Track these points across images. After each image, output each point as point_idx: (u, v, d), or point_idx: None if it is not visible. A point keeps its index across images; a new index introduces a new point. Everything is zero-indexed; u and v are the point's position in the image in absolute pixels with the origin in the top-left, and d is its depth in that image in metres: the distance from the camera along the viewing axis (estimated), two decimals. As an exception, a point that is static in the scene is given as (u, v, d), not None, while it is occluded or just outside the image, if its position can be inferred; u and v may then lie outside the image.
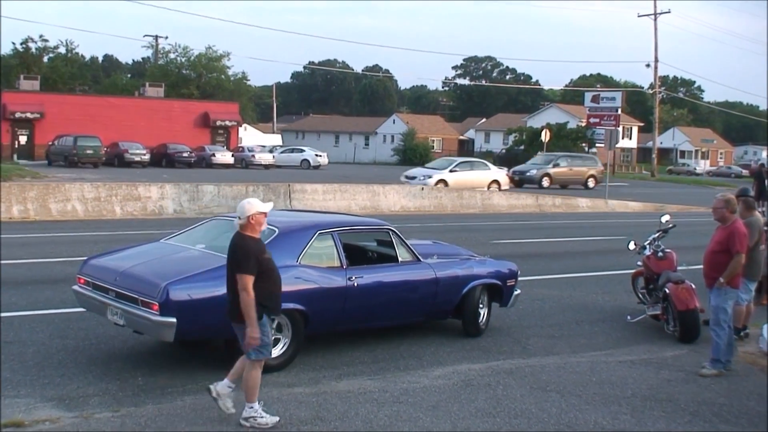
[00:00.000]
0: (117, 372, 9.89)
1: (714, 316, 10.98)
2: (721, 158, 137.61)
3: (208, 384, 8.66)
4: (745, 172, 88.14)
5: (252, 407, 8.36)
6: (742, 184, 23.41)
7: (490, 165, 50.02)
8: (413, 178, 44.54)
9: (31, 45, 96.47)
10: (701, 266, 11.46)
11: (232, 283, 8.33)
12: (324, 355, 10.98)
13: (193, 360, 10.50)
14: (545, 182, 53.62)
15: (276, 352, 10.09)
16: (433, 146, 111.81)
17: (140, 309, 9.47)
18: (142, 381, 9.60)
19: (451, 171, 45.37)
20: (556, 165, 55.71)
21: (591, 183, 56.22)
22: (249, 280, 8.14)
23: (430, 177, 43.94)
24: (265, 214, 8.52)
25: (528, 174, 54.71)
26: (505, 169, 52.72)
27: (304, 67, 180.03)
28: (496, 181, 46.33)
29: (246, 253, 8.25)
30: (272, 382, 9.67)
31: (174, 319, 9.23)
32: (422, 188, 36.55)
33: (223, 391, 8.52)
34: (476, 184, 42.90)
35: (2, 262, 17.32)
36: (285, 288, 9.93)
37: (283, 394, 9.32)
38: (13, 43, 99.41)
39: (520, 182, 52.89)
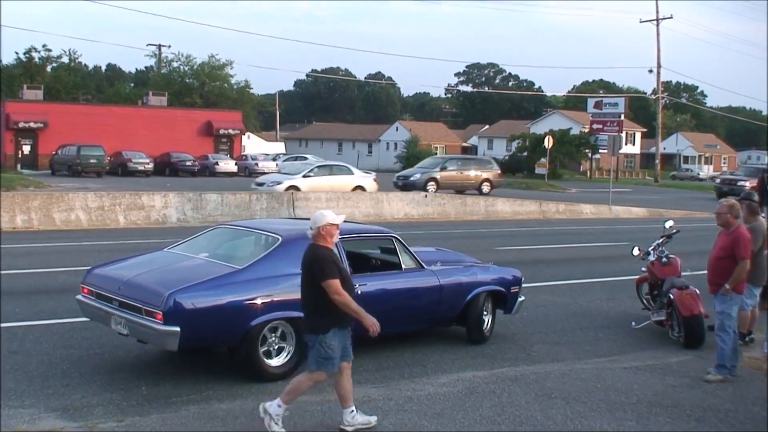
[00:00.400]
0: (121, 381, 9.88)
1: (719, 322, 10.95)
2: (724, 163, 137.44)
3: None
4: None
5: (278, 410, 8.37)
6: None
7: (354, 169, 45.22)
8: (262, 184, 40.84)
9: (35, 54, 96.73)
10: (705, 272, 11.44)
11: (308, 298, 8.44)
12: (328, 363, 10.95)
13: (197, 369, 10.49)
14: (431, 187, 47.26)
15: (280, 360, 10.10)
16: (437, 153, 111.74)
17: (144, 318, 9.46)
18: (146, 390, 9.59)
19: (304, 176, 41.13)
20: (444, 168, 50.58)
21: (486, 188, 50.65)
22: (336, 284, 8.24)
23: (279, 183, 39.88)
24: (336, 225, 8.60)
25: (412, 179, 49.23)
26: (373, 173, 47.34)
27: (307, 75, 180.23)
28: (360, 187, 41.09)
29: (324, 260, 8.36)
30: (276, 391, 9.63)
31: (178, 328, 9.22)
32: (425, 195, 36.55)
33: (351, 420, 8.57)
34: (336, 190, 37.54)
35: (5, 272, 17.34)
36: (288, 296, 9.97)
37: (287, 403, 9.30)
38: (17, 53, 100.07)
39: (404, 188, 46.62)
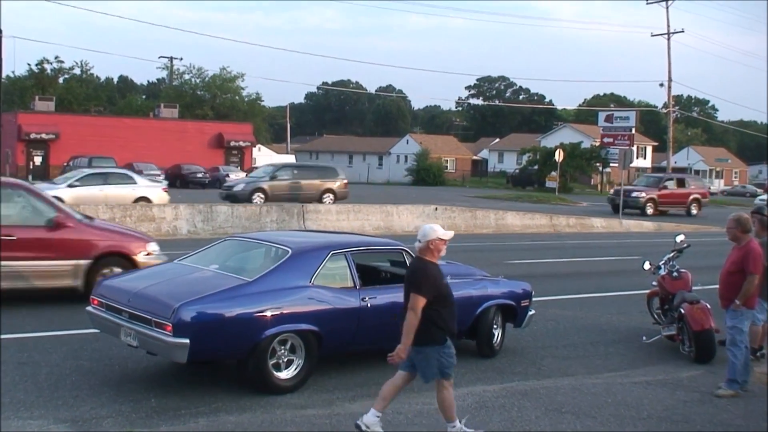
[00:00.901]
0: (130, 393, 9.87)
1: (730, 337, 10.92)
2: (735, 177, 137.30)
3: (355, 421, 8.74)
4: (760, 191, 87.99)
5: (453, 426, 8.63)
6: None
7: (138, 177, 39.77)
8: None
9: (47, 66, 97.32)
10: (716, 286, 11.40)
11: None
12: (337, 376, 10.94)
13: (206, 381, 10.47)
14: (258, 198, 42.62)
15: (289, 373, 10.08)
16: (447, 166, 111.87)
17: (154, 330, 9.45)
18: (155, 402, 9.58)
19: (70, 186, 35.21)
20: (274, 177, 45.63)
21: (327, 199, 45.56)
22: (421, 303, 8.32)
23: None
24: (445, 241, 8.71)
25: (235, 189, 44.63)
26: (163, 183, 43.53)
27: (318, 88, 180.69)
28: (145, 198, 35.69)
29: (426, 277, 8.45)
30: (285, 404, 9.64)
31: (187, 340, 9.20)
32: (436, 208, 36.48)
33: (371, 421, 8.63)
34: (111, 202, 32.00)
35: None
36: (298, 309, 9.98)
37: (296, 416, 9.29)
38: (29, 64, 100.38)
39: (228, 199, 42.23)
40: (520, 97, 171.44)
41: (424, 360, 8.52)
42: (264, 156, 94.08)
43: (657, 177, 59.48)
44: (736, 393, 10.79)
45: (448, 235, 8.74)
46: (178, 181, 66.37)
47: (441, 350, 8.53)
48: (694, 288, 13.79)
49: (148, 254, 16.07)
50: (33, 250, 15.03)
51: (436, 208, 36.43)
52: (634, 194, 51.93)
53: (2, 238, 14.55)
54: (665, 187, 54.01)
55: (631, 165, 52.04)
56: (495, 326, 12.61)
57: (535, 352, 13.15)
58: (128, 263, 15.68)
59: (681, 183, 56.07)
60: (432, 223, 8.97)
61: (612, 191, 59.64)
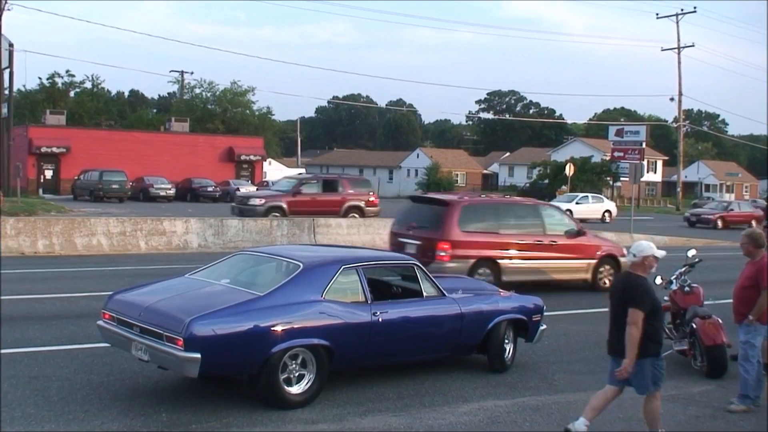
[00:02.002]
0: (141, 408, 9.86)
1: (743, 352, 10.87)
2: (746, 192, 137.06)
3: (566, 425, 9.09)
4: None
5: None
6: None
7: None
8: None
9: (58, 80, 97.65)
10: (728, 301, 11.36)
11: (619, 318, 8.90)
12: (348, 391, 10.91)
13: (217, 396, 10.46)
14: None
15: (300, 388, 10.07)
16: (457, 180, 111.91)
17: (165, 344, 9.44)
18: (166, 417, 9.57)
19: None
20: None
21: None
22: (640, 317, 8.67)
23: None
24: (657, 259, 9.03)
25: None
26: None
27: (328, 102, 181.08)
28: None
29: (644, 291, 8.82)
30: (296, 419, 9.63)
31: (198, 355, 9.19)
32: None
33: (581, 429, 8.91)
34: None
35: (28, 297, 17.45)
36: (309, 323, 9.97)
37: (307, 431, 9.27)
38: (40, 78, 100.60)
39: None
40: (531, 111, 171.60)
41: (640, 372, 8.82)
42: (274, 170, 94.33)
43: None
44: (749, 408, 10.75)
45: (661, 254, 9.09)
46: (188, 194, 66.53)
47: (655, 362, 8.91)
48: (705, 303, 13.74)
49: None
50: (568, 252, 21.30)
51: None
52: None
53: (548, 243, 20.91)
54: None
55: (642, 179, 51.81)
56: (506, 341, 12.58)
57: (547, 366, 13.11)
58: (616, 264, 21.84)
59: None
60: (647, 241, 9.40)
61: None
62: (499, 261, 19.96)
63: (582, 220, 38.68)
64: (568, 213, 43.07)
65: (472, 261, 19.50)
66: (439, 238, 19.52)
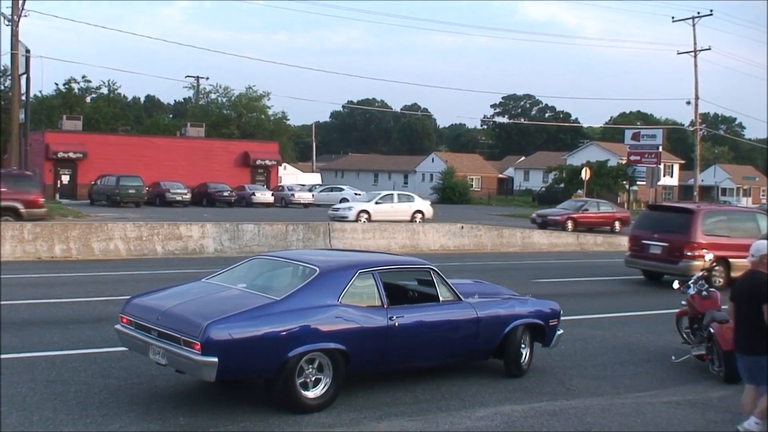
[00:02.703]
0: (159, 412, 9.88)
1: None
2: (763, 195, 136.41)
3: (737, 426, 9.35)
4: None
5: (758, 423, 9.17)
6: None
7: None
8: None
9: (74, 85, 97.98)
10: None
11: (747, 317, 9.10)
12: (365, 395, 10.90)
13: (234, 400, 10.48)
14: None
15: (317, 392, 10.06)
16: (472, 185, 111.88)
17: (182, 348, 9.46)
18: (183, 421, 9.58)
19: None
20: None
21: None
22: None
23: None
24: None
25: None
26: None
27: (343, 107, 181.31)
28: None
29: None
30: (312, 423, 9.63)
31: (216, 359, 9.20)
32: (462, 227, 36.42)
33: (752, 428, 9.11)
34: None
35: (45, 301, 17.53)
36: (326, 327, 9.98)
37: (324, 435, 9.27)
38: (56, 84, 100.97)
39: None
40: (546, 115, 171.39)
41: (757, 368, 9.04)
42: (290, 175, 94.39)
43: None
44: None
45: None
46: (204, 199, 66.64)
47: None
48: (723, 307, 13.69)
49: None
50: None
51: (462, 227, 36.38)
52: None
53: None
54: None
55: (659, 183, 51.67)
56: (523, 345, 12.55)
57: (564, 371, 13.08)
58: None
59: None
60: (760, 240, 9.65)
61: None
62: (731, 260, 22.80)
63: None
64: (365, 214, 44.31)
65: (712, 260, 21.69)
66: (686, 240, 23.22)
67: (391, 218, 42.69)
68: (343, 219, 44.29)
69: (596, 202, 55.57)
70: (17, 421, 9.32)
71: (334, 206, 50.67)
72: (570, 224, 48.94)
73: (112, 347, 12.54)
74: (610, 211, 53.33)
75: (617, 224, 51.04)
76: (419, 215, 49.07)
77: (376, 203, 48.97)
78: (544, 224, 48.13)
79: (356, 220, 43.57)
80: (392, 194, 51.55)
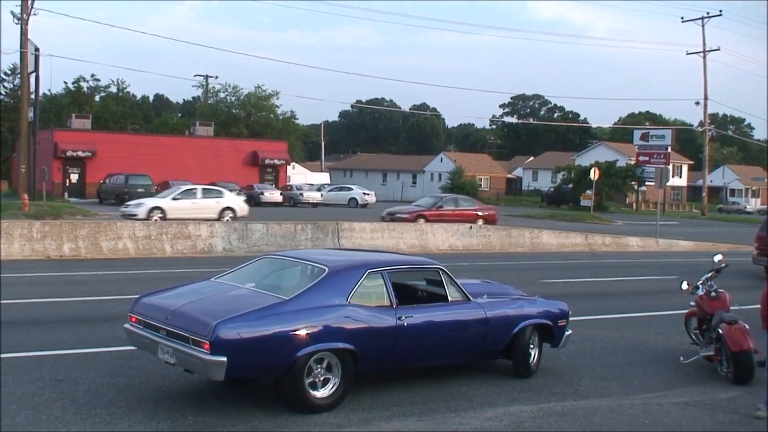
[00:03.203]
0: (167, 411, 9.89)
1: (770, 358, 10.82)
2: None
3: None
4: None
5: None
6: None
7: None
8: None
9: (83, 84, 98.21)
10: (755, 306, 11.29)
11: None
12: (373, 395, 10.90)
13: (242, 399, 10.48)
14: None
15: (325, 392, 10.06)
16: (481, 184, 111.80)
17: (191, 348, 9.46)
18: (192, 420, 9.59)
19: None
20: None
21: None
22: None
23: None
24: None
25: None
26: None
27: (352, 106, 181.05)
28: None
29: None
30: (321, 423, 9.63)
31: (224, 358, 9.21)
32: (471, 227, 36.41)
33: None
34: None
35: (53, 300, 17.57)
36: (335, 327, 9.99)
37: (332, 435, 9.27)
38: (65, 82, 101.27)
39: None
40: (555, 115, 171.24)
41: None
42: (298, 174, 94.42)
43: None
44: (776, 415, 10.68)
45: None
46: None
47: None
48: (732, 308, 13.66)
49: None
50: None
51: (471, 227, 36.38)
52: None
53: None
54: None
55: (667, 184, 51.55)
56: (531, 346, 12.54)
57: (572, 372, 13.06)
58: None
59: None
60: None
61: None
62: None
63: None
64: (158, 212, 40.37)
65: None
66: None
67: (192, 216, 38.20)
68: (132, 217, 39.29)
69: (455, 198, 50.00)
70: (26, 419, 9.33)
71: (125, 203, 45.38)
72: (421, 222, 40.74)
73: (121, 346, 12.55)
74: (471, 207, 46.85)
75: (480, 222, 43.00)
76: (229, 213, 43.59)
77: (174, 199, 43.18)
78: (394, 222, 40.56)
79: (147, 218, 38.77)
80: (195, 189, 45.47)
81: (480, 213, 46.07)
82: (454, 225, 36.76)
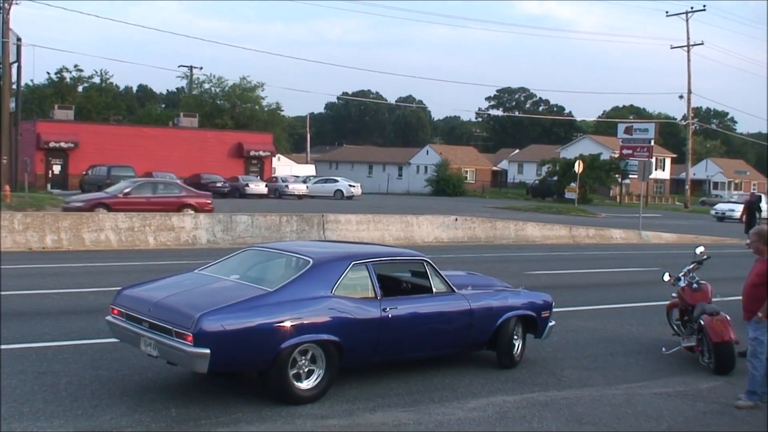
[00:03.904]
0: (150, 403, 9.87)
1: (751, 348, 10.87)
2: (754, 189, 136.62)
3: None
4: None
5: None
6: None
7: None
8: None
9: (66, 75, 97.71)
10: (736, 298, 11.36)
11: None
12: (358, 386, 10.90)
13: (226, 392, 10.47)
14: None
15: (310, 383, 10.06)
16: (467, 177, 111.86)
17: (174, 340, 9.44)
18: (175, 413, 9.57)
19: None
20: None
21: None
22: None
23: None
24: None
25: None
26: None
27: (338, 98, 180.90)
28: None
29: None
30: (305, 414, 9.63)
31: (208, 351, 9.19)
32: (456, 219, 36.44)
33: None
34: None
35: (36, 292, 17.51)
36: (319, 319, 9.98)
37: (316, 427, 9.27)
38: (48, 73, 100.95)
39: None
40: (540, 108, 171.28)
41: None
42: (284, 166, 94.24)
43: None
44: (756, 404, 10.74)
45: None
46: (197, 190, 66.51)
47: None
48: (713, 300, 13.73)
49: None
50: None
51: (456, 219, 36.41)
52: None
53: None
54: None
55: (650, 177, 51.71)
56: (515, 337, 12.57)
57: (556, 363, 13.10)
58: None
59: None
60: None
61: None
62: None
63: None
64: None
65: None
66: None
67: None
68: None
69: (153, 183, 41.51)
70: (7, 412, 9.29)
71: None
72: (102, 212, 32.35)
73: (104, 339, 12.51)
74: (175, 194, 38.31)
75: (188, 211, 35.38)
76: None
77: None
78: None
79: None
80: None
81: (188, 201, 38.10)
82: (440, 217, 36.76)
